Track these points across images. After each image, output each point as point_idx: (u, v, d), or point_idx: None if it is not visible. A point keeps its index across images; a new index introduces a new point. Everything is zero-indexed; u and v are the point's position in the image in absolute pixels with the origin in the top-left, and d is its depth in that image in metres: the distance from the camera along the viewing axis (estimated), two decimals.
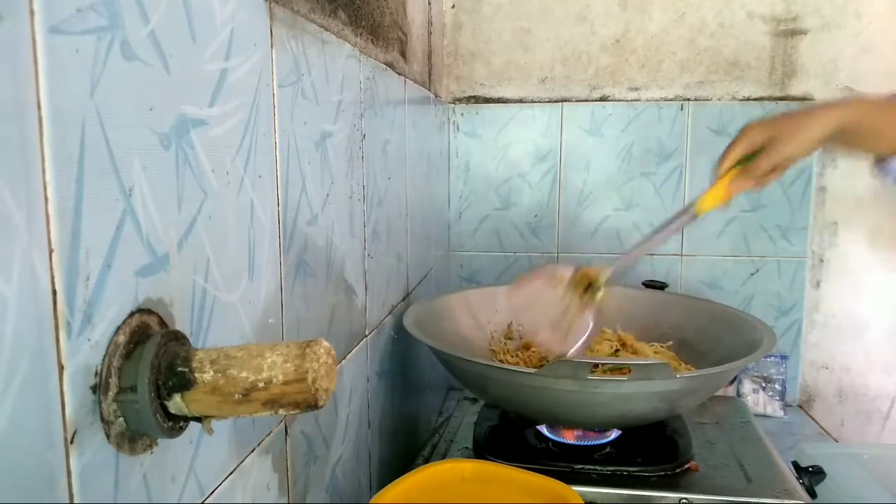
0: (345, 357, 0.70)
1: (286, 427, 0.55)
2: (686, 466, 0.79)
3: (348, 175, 0.70)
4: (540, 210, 1.43)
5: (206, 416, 0.35)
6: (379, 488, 0.62)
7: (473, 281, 1.46)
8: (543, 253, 1.44)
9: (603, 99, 1.40)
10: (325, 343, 0.35)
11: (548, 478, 0.62)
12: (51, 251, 0.28)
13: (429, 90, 1.21)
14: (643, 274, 1.40)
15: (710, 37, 1.35)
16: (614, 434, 0.84)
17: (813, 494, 0.82)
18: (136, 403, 0.33)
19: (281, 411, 0.34)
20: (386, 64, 0.87)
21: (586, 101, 1.40)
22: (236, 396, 0.34)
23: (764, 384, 1.35)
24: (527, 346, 1.01)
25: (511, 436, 0.88)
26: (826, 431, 1.32)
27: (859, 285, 1.37)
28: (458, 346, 0.95)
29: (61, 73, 0.29)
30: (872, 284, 1.37)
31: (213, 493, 0.43)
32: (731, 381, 1.33)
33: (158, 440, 0.36)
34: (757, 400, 1.35)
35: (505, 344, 1.03)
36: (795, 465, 0.87)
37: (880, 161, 0.79)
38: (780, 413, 1.34)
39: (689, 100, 1.37)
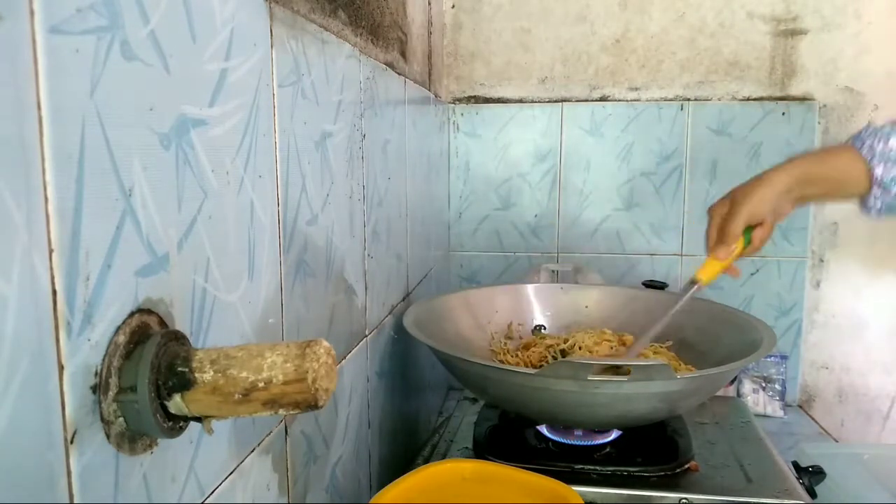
0: (345, 357, 0.70)
1: (286, 427, 0.55)
2: (686, 466, 0.79)
3: (348, 175, 0.70)
4: (540, 210, 1.43)
5: (206, 416, 0.35)
6: (379, 488, 0.62)
7: (473, 281, 1.46)
8: (543, 253, 1.44)
9: (603, 99, 1.40)
10: (325, 343, 0.35)
11: (548, 478, 0.62)
12: (51, 251, 0.28)
13: (429, 90, 1.21)
14: (643, 274, 1.40)
15: (710, 37, 1.35)
16: (614, 434, 0.84)
17: (813, 494, 0.82)
18: (136, 403, 0.33)
19: (281, 411, 0.34)
20: (386, 64, 0.87)
21: (586, 101, 1.40)
22: (236, 396, 0.34)
23: (764, 384, 1.35)
24: (527, 347, 1.01)
25: (511, 436, 0.87)
26: (826, 431, 1.32)
27: (859, 285, 1.37)
28: (458, 346, 0.95)
29: (61, 73, 0.29)
30: (872, 284, 1.37)
31: (213, 493, 0.43)
32: (731, 381, 1.33)
33: (158, 440, 0.36)
34: (757, 400, 1.35)
35: (505, 344, 1.03)
36: (795, 465, 0.87)
37: (862, 200, 0.84)
38: (780, 413, 1.34)
39: (689, 100, 1.37)
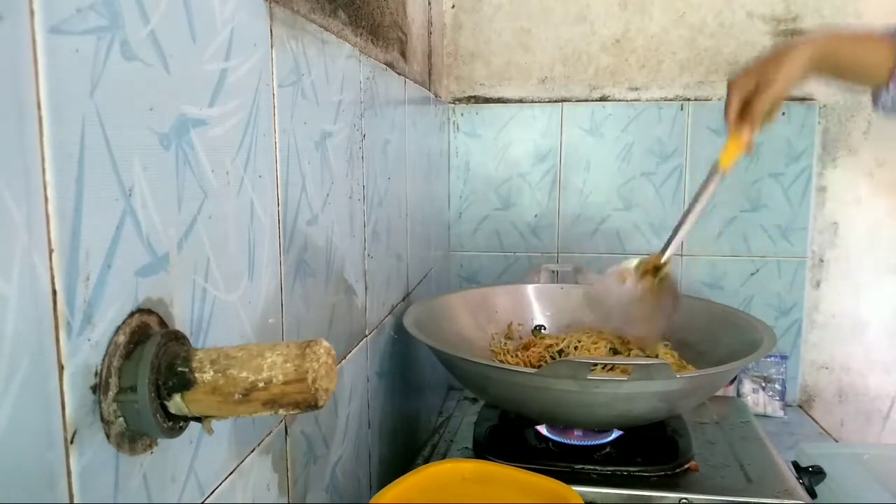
0: (345, 357, 0.70)
1: (286, 427, 0.55)
2: (686, 466, 0.79)
3: (348, 175, 0.70)
4: (540, 210, 1.43)
5: (206, 416, 0.35)
6: (379, 488, 0.62)
7: (473, 281, 1.46)
8: (543, 253, 1.44)
9: (603, 99, 1.40)
10: (325, 343, 0.35)
11: (548, 478, 0.62)
12: (51, 251, 0.28)
13: (429, 90, 1.21)
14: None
15: (710, 37, 1.35)
16: (614, 434, 0.84)
17: (813, 494, 0.82)
18: (136, 403, 0.33)
19: (281, 411, 0.34)
20: (386, 64, 0.87)
21: (586, 101, 1.40)
22: (236, 396, 0.34)
23: (764, 384, 1.35)
24: (527, 347, 1.01)
25: (511, 436, 0.87)
26: (826, 431, 1.32)
27: (859, 285, 1.37)
28: (458, 346, 0.95)
29: (61, 73, 0.29)
30: (872, 284, 1.37)
31: (213, 493, 0.43)
32: (731, 381, 1.33)
33: (158, 440, 0.36)
34: (757, 400, 1.35)
35: (505, 344, 1.03)
36: (795, 465, 0.87)
37: (874, 93, 0.83)
38: (780, 413, 1.34)
39: (689, 100, 1.37)
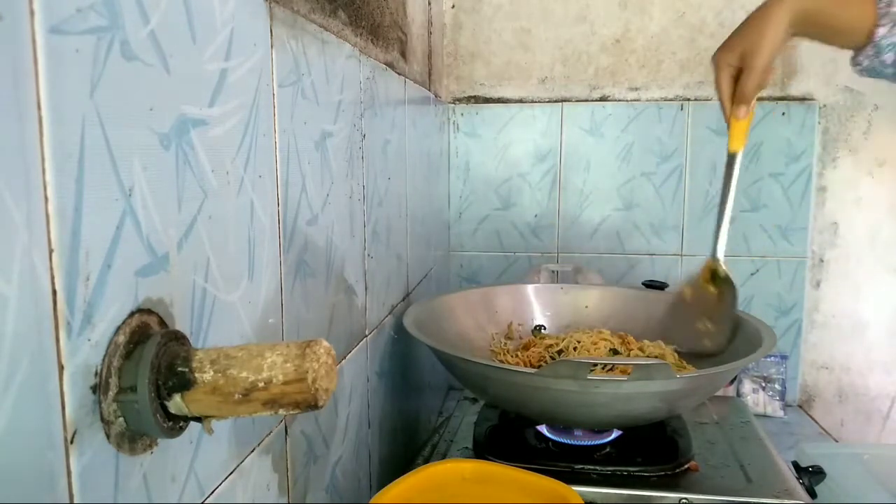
0: (345, 357, 0.70)
1: (286, 427, 0.55)
2: (686, 466, 0.79)
3: (348, 175, 0.70)
4: (540, 210, 1.43)
5: (206, 416, 0.35)
6: (379, 488, 0.62)
7: (473, 281, 1.46)
8: (543, 253, 1.44)
9: (603, 99, 1.40)
10: (325, 343, 0.35)
11: (548, 478, 0.62)
12: (51, 251, 0.28)
13: (429, 90, 1.21)
14: (643, 274, 1.40)
15: (710, 37, 1.35)
16: (614, 434, 0.84)
17: (813, 494, 0.82)
18: (136, 403, 0.33)
19: (281, 411, 0.34)
20: (386, 64, 0.87)
21: (586, 101, 1.40)
22: (236, 396, 0.34)
23: (764, 384, 1.35)
24: (527, 347, 1.01)
25: (511, 436, 0.87)
26: (826, 431, 1.32)
27: (859, 285, 1.37)
28: (458, 346, 0.95)
29: (61, 73, 0.29)
30: (872, 284, 1.37)
31: (213, 493, 0.43)
32: (731, 381, 1.33)
33: (158, 440, 0.36)
34: (757, 400, 1.35)
35: (505, 344, 1.03)
36: (795, 465, 0.87)
37: (855, 52, 0.81)
38: (780, 413, 1.34)
39: (689, 100, 1.37)
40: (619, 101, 1.39)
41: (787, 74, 1.35)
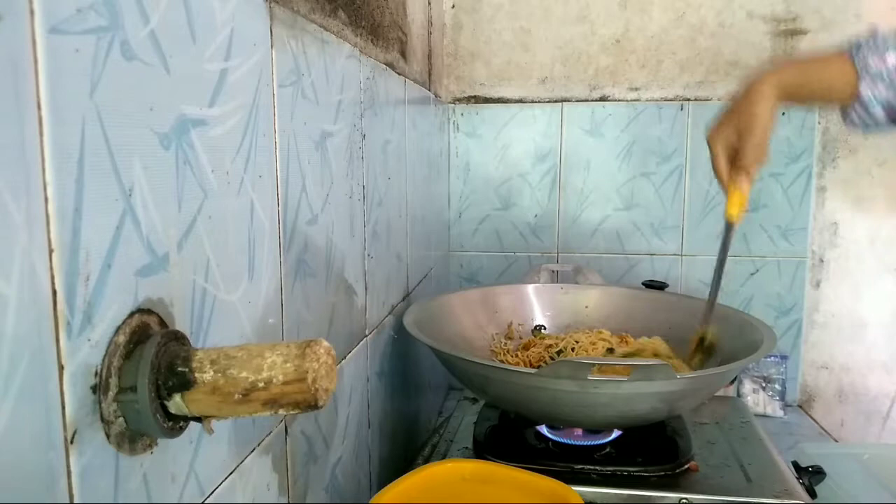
0: (345, 357, 0.70)
1: (286, 427, 0.55)
2: (686, 466, 0.79)
3: (348, 175, 0.70)
4: (540, 210, 1.43)
5: (206, 416, 0.35)
6: (379, 488, 0.62)
7: (473, 281, 1.46)
8: (543, 253, 1.44)
9: (603, 99, 1.40)
10: (325, 343, 0.35)
11: (548, 478, 0.62)
12: (51, 251, 0.28)
13: (429, 90, 1.21)
14: (643, 274, 1.40)
15: (710, 37, 1.35)
16: (614, 434, 0.84)
17: (813, 494, 0.82)
18: (136, 403, 0.33)
19: (281, 411, 0.34)
20: (386, 64, 0.87)
21: (586, 101, 1.40)
22: (236, 396, 0.34)
23: (764, 384, 1.35)
24: (526, 347, 1.01)
25: (511, 436, 0.87)
26: (826, 431, 1.32)
27: (859, 285, 1.37)
28: (458, 346, 0.95)
29: (61, 73, 0.29)
30: (872, 284, 1.37)
31: (213, 493, 0.43)
32: (731, 381, 1.33)
33: (158, 440, 0.36)
34: (757, 400, 1.35)
35: (505, 344, 1.03)
36: (795, 465, 0.87)
37: (843, 110, 0.83)
38: (780, 413, 1.34)
39: (689, 100, 1.37)
40: (619, 101, 1.39)
41: None
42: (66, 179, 0.29)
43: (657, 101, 1.38)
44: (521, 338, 1.06)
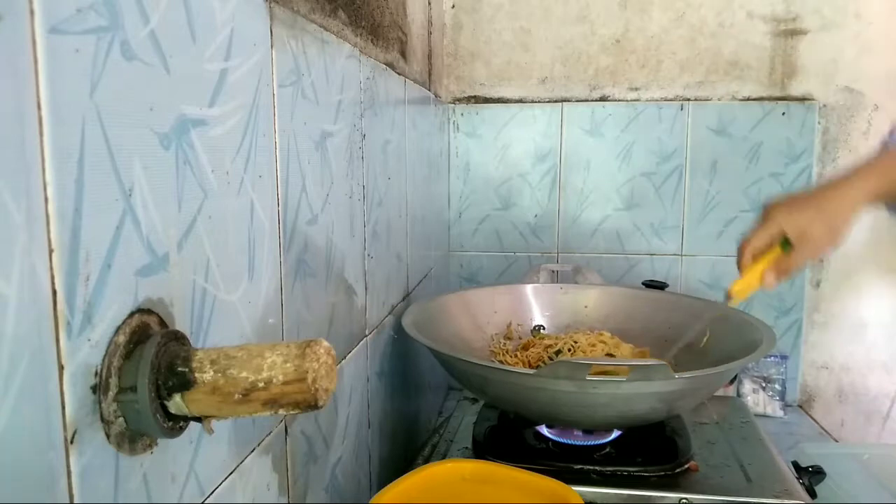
0: (345, 357, 0.70)
1: (286, 427, 0.55)
2: (686, 466, 0.79)
3: (348, 175, 0.70)
4: (540, 210, 1.43)
5: (206, 416, 0.35)
6: (379, 488, 0.62)
7: (473, 281, 1.46)
8: (543, 253, 1.44)
9: (603, 99, 1.40)
10: (325, 343, 0.35)
11: (548, 478, 0.62)
12: (51, 251, 0.28)
13: (429, 90, 1.21)
14: (643, 274, 1.40)
15: (710, 37, 1.35)
16: (614, 434, 0.84)
17: (813, 494, 0.82)
18: (136, 403, 0.33)
19: (281, 411, 0.34)
20: (386, 64, 0.87)
21: (586, 101, 1.40)
22: (236, 396, 0.34)
23: (764, 384, 1.35)
24: (526, 347, 1.01)
25: (511, 436, 0.87)
26: (826, 431, 1.32)
27: (859, 285, 1.37)
28: (457, 347, 0.95)
29: (61, 73, 0.29)
30: (872, 284, 1.37)
31: (213, 493, 0.43)
32: (731, 381, 1.33)
33: (158, 440, 0.36)
34: (757, 400, 1.35)
35: (504, 344, 1.03)
36: (795, 465, 0.87)
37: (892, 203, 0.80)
38: (780, 413, 1.34)
39: (689, 100, 1.37)
40: (619, 101, 1.39)
41: (786, 74, 1.35)
42: (66, 179, 0.29)
43: (657, 101, 1.38)
44: (520, 338, 1.05)
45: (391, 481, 0.62)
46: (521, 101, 1.42)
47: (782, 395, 1.35)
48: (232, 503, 0.46)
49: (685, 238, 1.40)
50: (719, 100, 1.36)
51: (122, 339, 0.33)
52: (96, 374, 0.32)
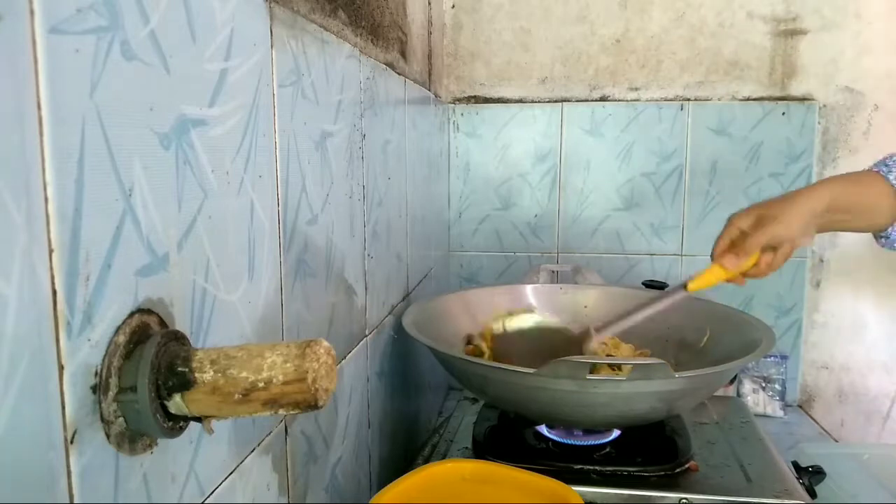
0: (345, 357, 0.70)
1: (286, 427, 0.55)
2: (686, 466, 0.79)
3: (348, 175, 0.70)
4: (540, 210, 1.43)
5: (206, 416, 0.35)
6: (379, 488, 0.62)
7: (473, 281, 1.46)
8: (543, 253, 1.44)
9: (603, 99, 1.40)
10: (325, 343, 0.35)
11: (548, 478, 0.62)
12: (51, 251, 0.28)
13: (429, 90, 1.21)
14: (643, 274, 1.40)
15: (711, 37, 1.35)
16: (614, 434, 0.84)
17: (813, 494, 0.82)
18: (136, 403, 0.33)
19: (281, 411, 0.34)
20: (386, 64, 0.87)
21: (586, 101, 1.40)
22: (236, 396, 0.34)
23: (764, 384, 1.35)
24: None
25: (511, 436, 0.87)
26: (826, 431, 1.32)
27: (859, 285, 1.37)
28: (458, 347, 0.95)
29: (61, 73, 0.29)
30: (872, 284, 1.37)
31: (213, 493, 0.43)
32: (731, 381, 1.33)
33: (158, 440, 0.36)
34: (757, 400, 1.35)
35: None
36: (795, 465, 0.87)
37: (880, 233, 0.82)
38: (780, 413, 1.34)
39: (689, 100, 1.37)
40: (619, 101, 1.39)
41: (786, 74, 1.35)
42: (66, 179, 0.29)
43: (657, 101, 1.38)
44: None
45: (391, 481, 0.62)
46: (521, 101, 1.42)
47: (782, 395, 1.35)
48: (232, 503, 0.46)
49: (685, 238, 1.40)
50: (719, 100, 1.36)
51: (122, 339, 0.33)
52: (96, 374, 0.32)
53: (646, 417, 0.80)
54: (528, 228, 1.44)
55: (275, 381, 0.34)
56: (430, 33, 1.24)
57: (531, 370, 0.76)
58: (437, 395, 1.30)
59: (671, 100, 1.38)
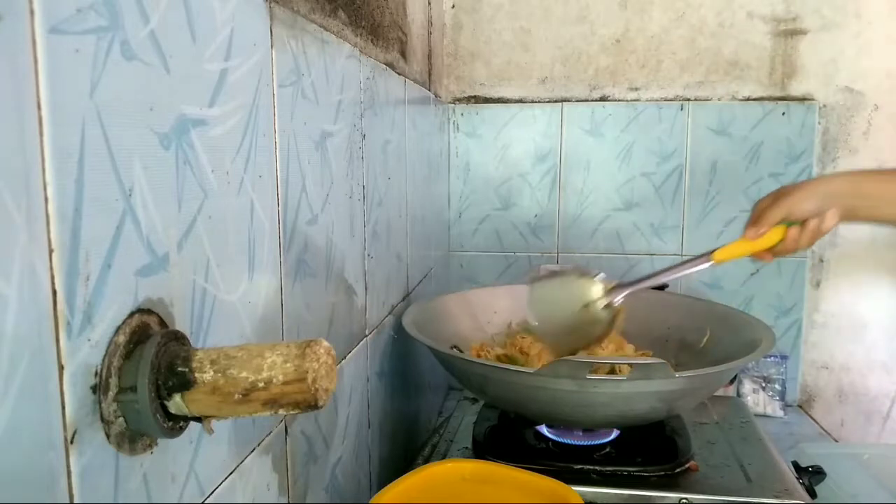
0: (345, 357, 0.70)
1: (286, 427, 0.55)
2: (686, 466, 0.79)
3: (348, 175, 0.70)
4: (540, 210, 1.43)
5: (206, 416, 0.35)
6: (379, 488, 0.62)
7: (473, 281, 1.46)
8: (543, 253, 1.44)
9: (603, 99, 1.40)
10: (325, 343, 0.35)
11: (548, 478, 0.62)
12: (51, 251, 0.28)
13: (429, 90, 1.21)
14: (643, 274, 1.40)
15: (710, 37, 1.35)
16: (614, 434, 0.84)
17: (813, 494, 0.82)
18: (136, 403, 0.33)
19: (281, 411, 0.34)
20: (386, 64, 0.87)
21: (586, 101, 1.40)
22: (236, 396, 0.34)
23: (764, 384, 1.35)
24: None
25: (511, 436, 0.87)
26: (826, 431, 1.32)
27: (859, 285, 1.37)
28: (458, 347, 0.95)
29: (61, 73, 0.29)
30: (872, 284, 1.37)
31: (213, 493, 0.43)
32: (731, 381, 1.33)
33: (158, 440, 0.36)
34: (757, 400, 1.35)
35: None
36: (795, 465, 0.87)
37: None
38: (780, 413, 1.34)
39: (689, 100, 1.37)
40: (619, 101, 1.39)
41: (787, 74, 1.35)
42: (66, 179, 0.29)
43: (657, 101, 1.38)
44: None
45: (391, 481, 0.62)
46: (521, 101, 1.42)
47: (782, 395, 1.35)
48: (232, 503, 0.46)
49: (685, 238, 1.40)
50: (719, 100, 1.36)
51: (122, 339, 0.33)
52: (96, 374, 0.32)
53: (646, 417, 0.80)
54: (528, 228, 1.44)
55: (275, 381, 0.34)
56: (430, 33, 1.24)
57: (531, 370, 0.76)
58: (437, 395, 1.30)
59: (671, 100, 1.38)
